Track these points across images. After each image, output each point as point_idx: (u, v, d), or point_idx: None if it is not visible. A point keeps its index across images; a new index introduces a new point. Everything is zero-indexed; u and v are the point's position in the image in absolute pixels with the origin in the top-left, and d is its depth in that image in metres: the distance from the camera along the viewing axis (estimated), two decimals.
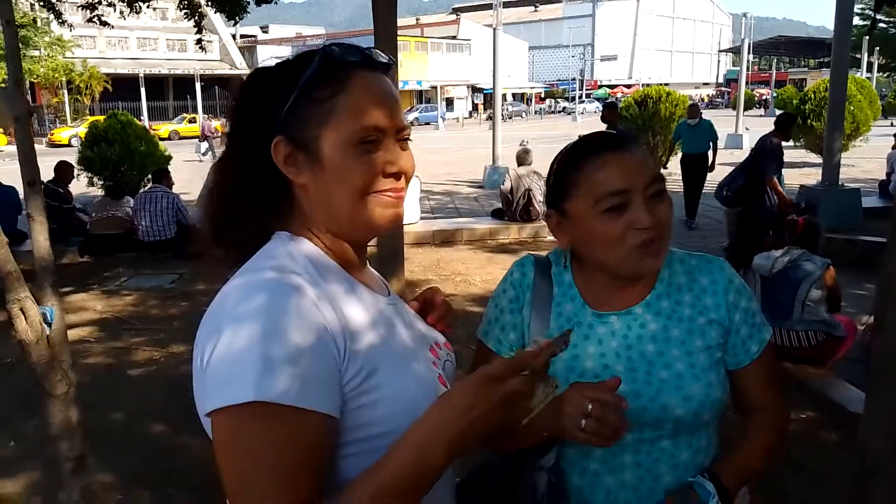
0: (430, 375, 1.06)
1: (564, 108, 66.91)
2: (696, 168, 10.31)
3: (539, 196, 9.55)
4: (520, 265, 1.45)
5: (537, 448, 1.26)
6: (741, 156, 17.41)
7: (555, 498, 1.26)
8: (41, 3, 8.66)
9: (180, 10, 8.74)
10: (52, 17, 9.26)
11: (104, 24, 9.05)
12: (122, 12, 8.88)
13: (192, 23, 8.81)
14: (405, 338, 1.07)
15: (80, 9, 8.63)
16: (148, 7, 8.71)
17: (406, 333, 1.08)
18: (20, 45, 3.10)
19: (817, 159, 13.92)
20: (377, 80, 1.04)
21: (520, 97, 71.40)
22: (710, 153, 10.37)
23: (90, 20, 8.81)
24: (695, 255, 1.41)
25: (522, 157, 9.93)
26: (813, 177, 12.23)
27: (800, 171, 15.08)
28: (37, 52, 35.13)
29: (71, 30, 11.02)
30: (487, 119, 39.71)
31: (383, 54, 1.07)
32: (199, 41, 9.10)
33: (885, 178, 11.74)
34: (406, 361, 1.03)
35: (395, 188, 1.04)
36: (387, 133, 1.02)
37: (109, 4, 8.75)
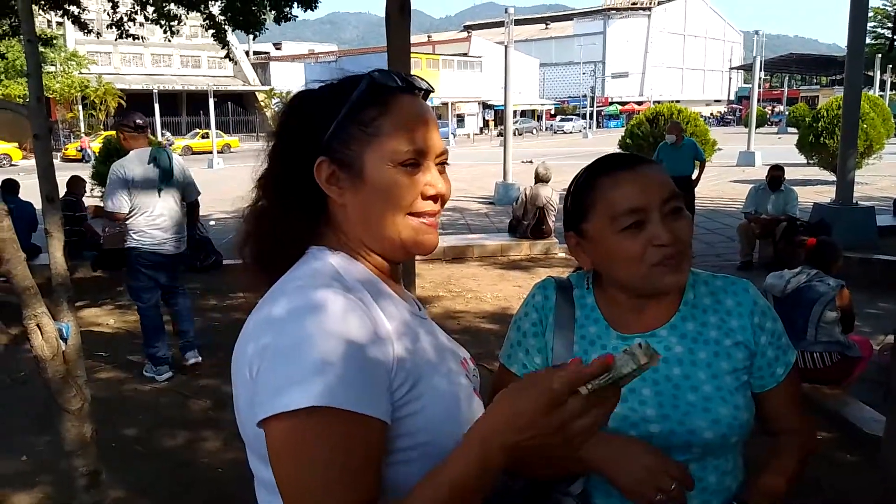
0: (467, 387, 1.09)
1: (551, 125, 65.63)
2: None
3: (552, 214, 9.55)
4: (542, 287, 1.43)
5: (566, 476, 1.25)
6: (754, 173, 17.42)
7: None
8: (61, 16, 8.86)
9: (205, 29, 9.00)
10: (66, 32, 9.64)
11: (135, 37, 9.31)
12: (141, 23, 9.12)
13: (211, 38, 9.11)
14: (439, 350, 1.09)
15: (108, 27, 8.85)
16: (170, 26, 8.92)
17: (439, 346, 1.10)
18: None
19: (831, 177, 13.88)
20: (418, 104, 1.08)
21: (530, 113, 71.57)
22: (697, 172, 9.90)
23: (119, 37, 9.06)
24: (719, 276, 1.40)
25: (540, 175, 9.90)
26: (827, 194, 12.18)
27: (814, 188, 15.02)
28: (52, 68, 35.58)
29: (99, 37, 11.24)
30: (498, 135, 39.85)
31: (423, 81, 1.11)
32: (227, 55, 9.45)
33: None
34: (444, 372, 1.05)
35: (432, 211, 1.07)
36: (427, 156, 1.05)
37: (130, 19, 8.95)
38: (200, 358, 5.40)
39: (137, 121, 5.14)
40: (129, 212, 5.00)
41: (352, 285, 1.00)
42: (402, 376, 0.96)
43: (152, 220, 5.03)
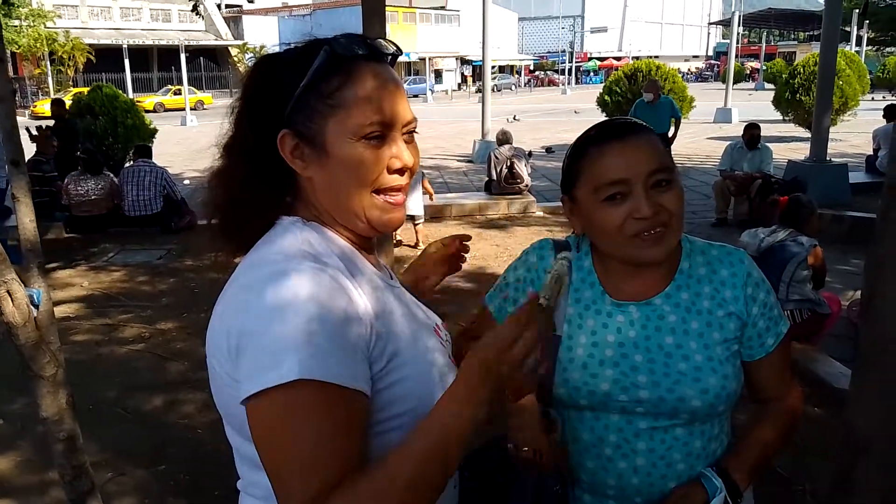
0: (443, 356, 1.11)
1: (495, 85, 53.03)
2: None
3: (522, 163, 9.52)
4: (538, 248, 1.46)
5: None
6: (731, 130, 17.46)
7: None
8: None
9: None
10: None
11: None
12: None
13: None
14: (414, 321, 1.10)
15: None
16: None
17: (412, 316, 1.11)
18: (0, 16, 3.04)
19: (806, 134, 13.94)
20: (383, 72, 1.04)
21: (509, 69, 70.87)
22: (673, 130, 9.81)
23: None
24: (715, 245, 1.40)
25: (501, 139, 10.01)
26: (802, 151, 12.25)
27: (789, 145, 15.11)
28: (17, 22, 34.50)
29: None
30: (477, 91, 39.35)
31: (389, 45, 1.07)
32: (194, 7, 9.23)
33: (871, 153, 11.78)
34: (421, 343, 1.06)
35: (398, 185, 1.05)
36: (393, 127, 1.03)
37: None
38: None
39: None
40: None
41: (326, 258, 0.99)
42: (381, 348, 0.97)
43: None
